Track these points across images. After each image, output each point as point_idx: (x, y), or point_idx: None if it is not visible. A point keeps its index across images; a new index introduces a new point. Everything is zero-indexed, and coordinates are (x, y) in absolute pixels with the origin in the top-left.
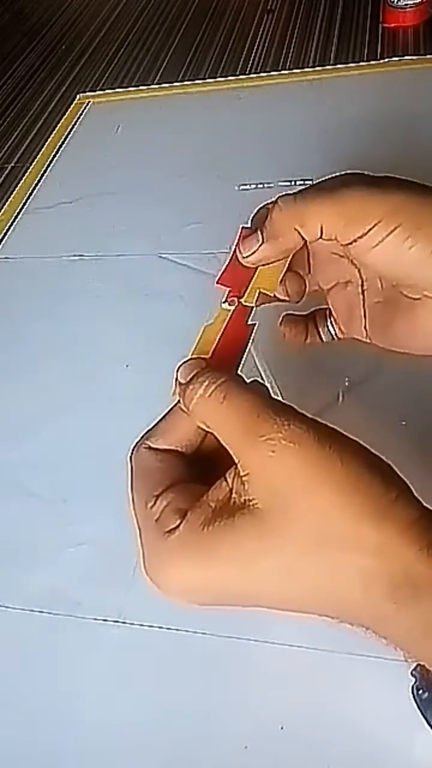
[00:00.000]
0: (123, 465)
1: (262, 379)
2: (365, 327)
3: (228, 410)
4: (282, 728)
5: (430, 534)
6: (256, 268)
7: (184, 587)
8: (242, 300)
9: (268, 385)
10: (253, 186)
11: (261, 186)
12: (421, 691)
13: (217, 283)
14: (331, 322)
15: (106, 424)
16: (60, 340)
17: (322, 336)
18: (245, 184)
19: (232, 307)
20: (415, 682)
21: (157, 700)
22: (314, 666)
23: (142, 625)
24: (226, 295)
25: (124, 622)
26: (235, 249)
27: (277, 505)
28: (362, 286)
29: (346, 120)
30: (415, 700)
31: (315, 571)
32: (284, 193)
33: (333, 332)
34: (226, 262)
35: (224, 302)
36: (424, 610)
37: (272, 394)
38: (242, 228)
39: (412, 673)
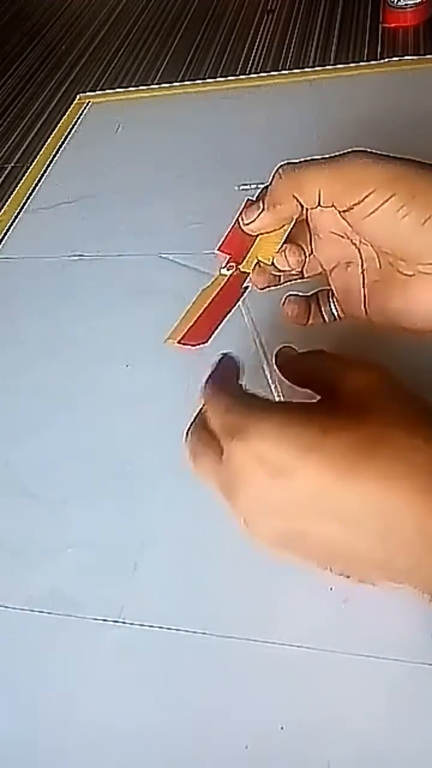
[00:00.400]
0: (123, 465)
1: (254, 343)
2: (365, 306)
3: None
4: (282, 728)
5: None
6: (256, 238)
7: (264, 442)
8: (240, 266)
9: (258, 348)
10: (253, 186)
11: (261, 186)
12: None
13: (218, 250)
14: (333, 302)
15: (106, 424)
16: (60, 340)
17: (324, 316)
18: (245, 184)
19: (230, 272)
20: None
21: (157, 700)
22: (314, 666)
23: (142, 625)
24: (225, 262)
25: (124, 622)
26: (237, 218)
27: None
28: (362, 266)
29: (346, 120)
30: None
31: (391, 454)
32: (285, 161)
33: (335, 312)
34: (228, 231)
35: (222, 268)
36: None
37: (261, 360)
38: (247, 199)
39: None
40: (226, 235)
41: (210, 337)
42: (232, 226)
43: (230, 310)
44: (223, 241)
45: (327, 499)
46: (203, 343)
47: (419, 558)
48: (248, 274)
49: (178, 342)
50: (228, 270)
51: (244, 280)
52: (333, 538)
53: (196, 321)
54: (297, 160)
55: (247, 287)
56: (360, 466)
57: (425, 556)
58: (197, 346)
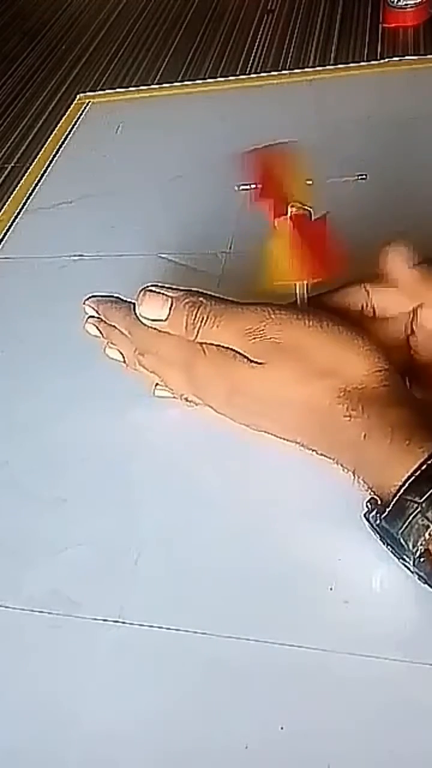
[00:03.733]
0: (123, 464)
1: None
2: None
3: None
4: (282, 728)
5: (383, 362)
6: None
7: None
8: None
9: None
10: (253, 186)
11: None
12: (374, 513)
13: (255, 201)
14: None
15: (106, 423)
16: (60, 340)
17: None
18: (245, 184)
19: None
20: (367, 511)
21: (157, 700)
22: (314, 666)
23: (142, 625)
24: (271, 213)
25: (124, 622)
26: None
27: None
28: None
29: (346, 120)
30: (371, 525)
31: (302, 388)
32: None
33: None
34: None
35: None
36: (369, 415)
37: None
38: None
39: (365, 504)
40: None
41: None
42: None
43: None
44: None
45: (272, 385)
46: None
47: (327, 440)
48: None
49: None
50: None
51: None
52: (270, 413)
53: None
54: None
55: (325, 213)
56: (307, 365)
57: (334, 448)
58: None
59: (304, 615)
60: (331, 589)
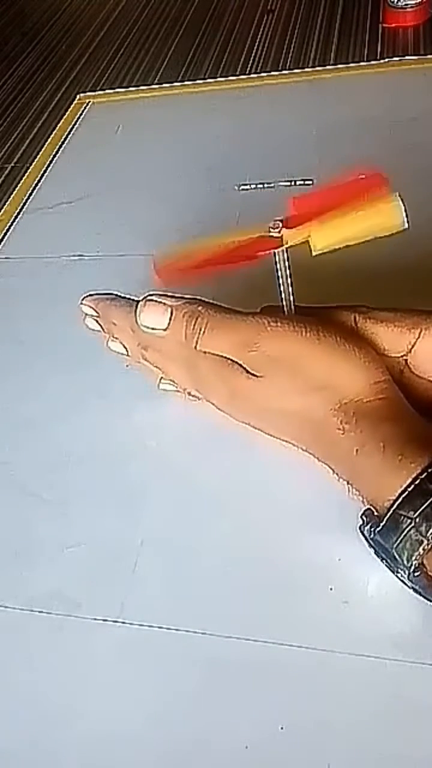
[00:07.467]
0: (123, 465)
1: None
2: None
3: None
4: (282, 728)
5: (380, 374)
6: (323, 220)
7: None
8: (286, 233)
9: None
10: (253, 186)
11: (261, 186)
12: (369, 527)
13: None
14: None
15: (106, 424)
16: (60, 340)
17: None
18: (245, 184)
19: (275, 234)
20: (362, 524)
21: (157, 699)
22: (314, 666)
23: (142, 625)
24: (281, 225)
25: (124, 622)
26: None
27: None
28: None
29: (346, 120)
30: (366, 539)
31: (298, 400)
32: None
33: None
34: (300, 196)
35: (272, 228)
36: (362, 429)
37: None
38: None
39: (360, 517)
40: (300, 197)
41: (195, 279)
42: (310, 192)
43: (235, 267)
44: (295, 200)
45: (269, 396)
46: (184, 282)
47: (322, 451)
48: (283, 246)
49: (158, 271)
50: (275, 232)
51: (277, 248)
52: (269, 420)
53: (193, 258)
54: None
55: (281, 253)
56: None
57: (331, 451)
58: (174, 283)
59: (304, 615)
60: (331, 589)
